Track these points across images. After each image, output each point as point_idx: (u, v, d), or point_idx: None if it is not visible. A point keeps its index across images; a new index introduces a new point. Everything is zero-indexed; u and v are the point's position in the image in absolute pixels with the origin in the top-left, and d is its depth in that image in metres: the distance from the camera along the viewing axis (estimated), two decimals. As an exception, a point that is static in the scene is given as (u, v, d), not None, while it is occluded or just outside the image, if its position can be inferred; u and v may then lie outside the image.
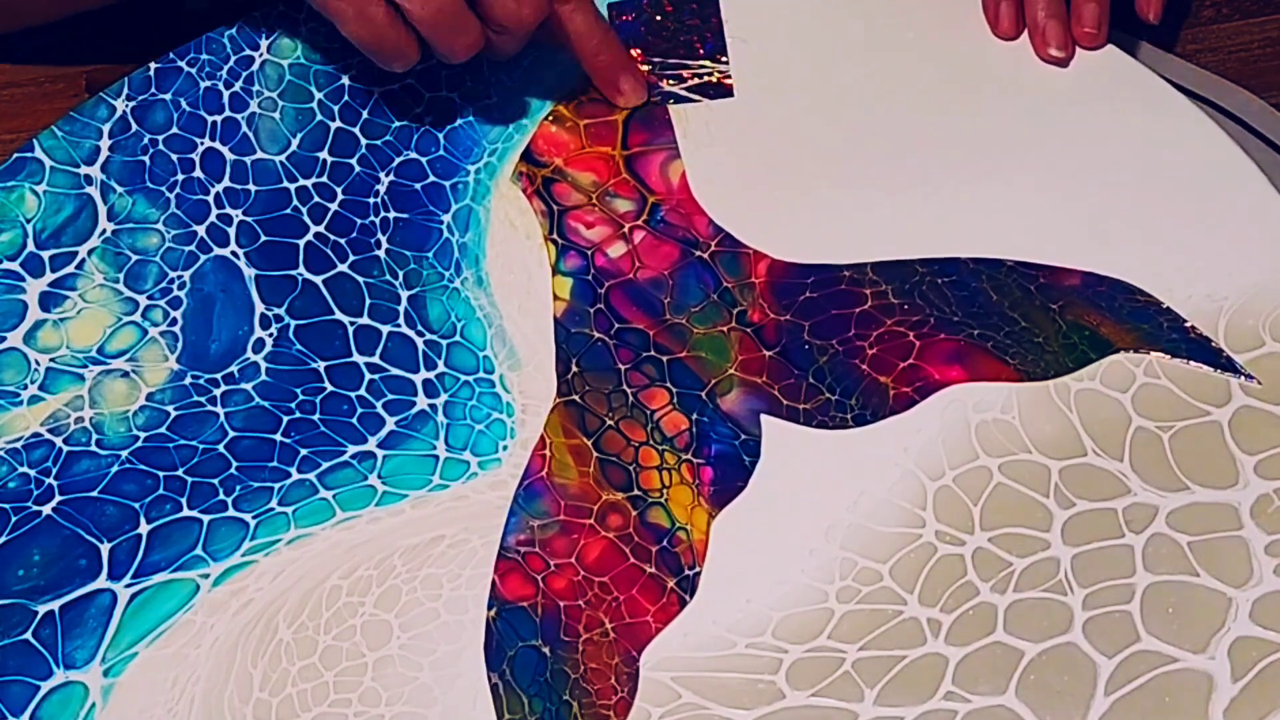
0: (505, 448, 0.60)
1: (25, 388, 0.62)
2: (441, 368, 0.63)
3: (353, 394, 0.62)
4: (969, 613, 0.54)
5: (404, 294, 0.65)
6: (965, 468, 0.57)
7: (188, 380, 0.62)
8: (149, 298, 0.64)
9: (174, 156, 0.68)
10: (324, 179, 0.68)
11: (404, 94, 0.70)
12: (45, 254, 0.65)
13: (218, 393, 0.62)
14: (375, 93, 0.70)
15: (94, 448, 0.61)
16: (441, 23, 0.62)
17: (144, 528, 0.59)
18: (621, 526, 0.57)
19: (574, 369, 0.62)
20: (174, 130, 0.68)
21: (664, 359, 0.62)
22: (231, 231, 0.66)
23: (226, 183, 0.67)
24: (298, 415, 0.61)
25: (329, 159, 0.68)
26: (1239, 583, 0.53)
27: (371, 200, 0.67)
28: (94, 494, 0.60)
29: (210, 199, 0.67)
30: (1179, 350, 0.59)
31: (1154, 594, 0.53)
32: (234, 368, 0.63)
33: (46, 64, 0.76)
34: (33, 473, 0.60)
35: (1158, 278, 0.61)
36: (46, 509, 0.59)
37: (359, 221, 0.67)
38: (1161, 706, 0.51)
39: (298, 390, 0.62)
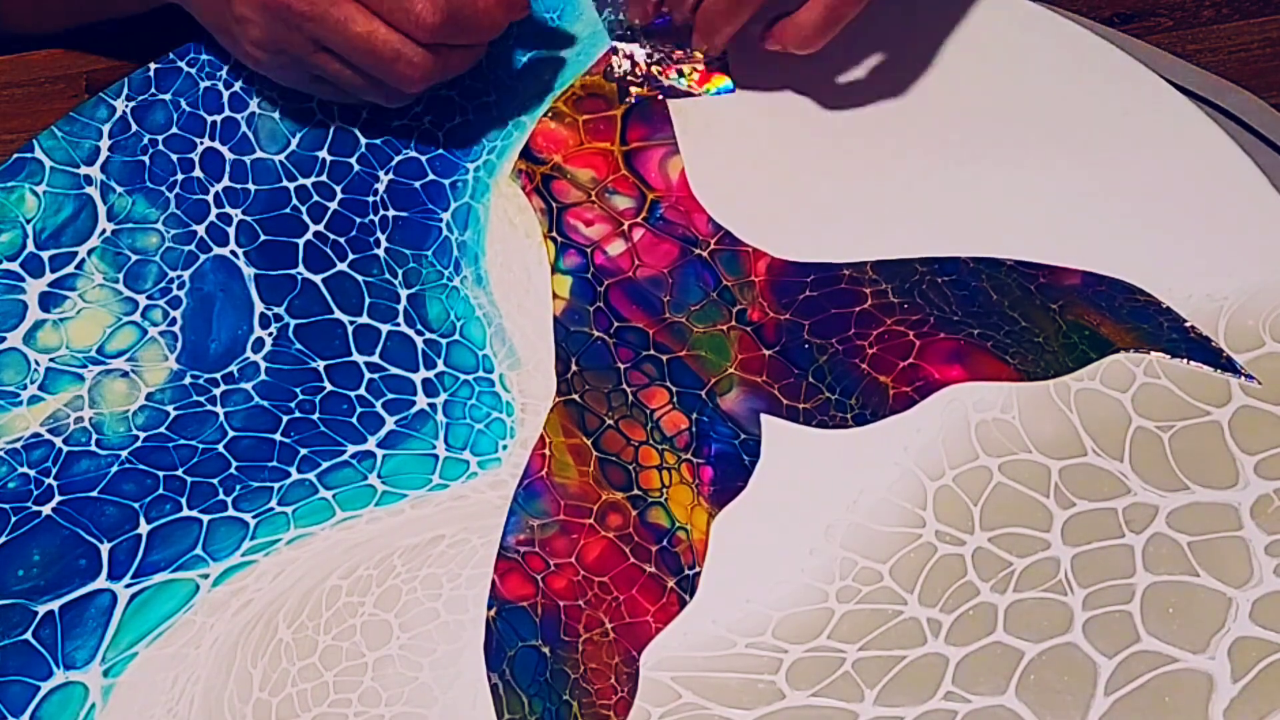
0: (505, 447, 0.60)
1: (25, 388, 0.62)
2: (441, 367, 0.62)
3: (352, 393, 0.62)
4: (969, 613, 0.54)
5: (403, 293, 0.65)
6: (965, 467, 0.57)
7: (187, 380, 0.62)
8: (149, 298, 0.64)
9: (174, 156, 0.68)
10: (323, 178, 0.68)
11: (403, 93, 0.70)
12: (45, 254, 0.65)
13: (217, 392, 0.62)
14: (375, 91, 0.70)
15: (94, 448, 0.61)
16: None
17: (144, 528, 0.59)
18: (621, 526, 0.57)
19: (574, 368, 0.62)
20: (174, 130, 0.68)
21: (664, 358, 0.62)
22: (231, 231, 0.66)
23: (226, 182, 0.67)
24: (297, 415, 0.61)
25: (328, 158, 0.68)
26: (1239, 583, 0.53)
27: (371, 199, 0.67)
28: (94, 494, 0.60)
29: (210, 199, 0.67)
30: (1179, 350, 0.59)
31: (1154, 594, 0.53)
32: (234, 367, 0.63)
33: (46, 64, 0.76)
34: (33, 473, 0.60)
35: (1158, 278, 0.61)
36: (46, 509, 0.59)
37: (358, 220, 0.67)
38: (1161, 706, 0.51)
39: (297, 390, 0.62)
